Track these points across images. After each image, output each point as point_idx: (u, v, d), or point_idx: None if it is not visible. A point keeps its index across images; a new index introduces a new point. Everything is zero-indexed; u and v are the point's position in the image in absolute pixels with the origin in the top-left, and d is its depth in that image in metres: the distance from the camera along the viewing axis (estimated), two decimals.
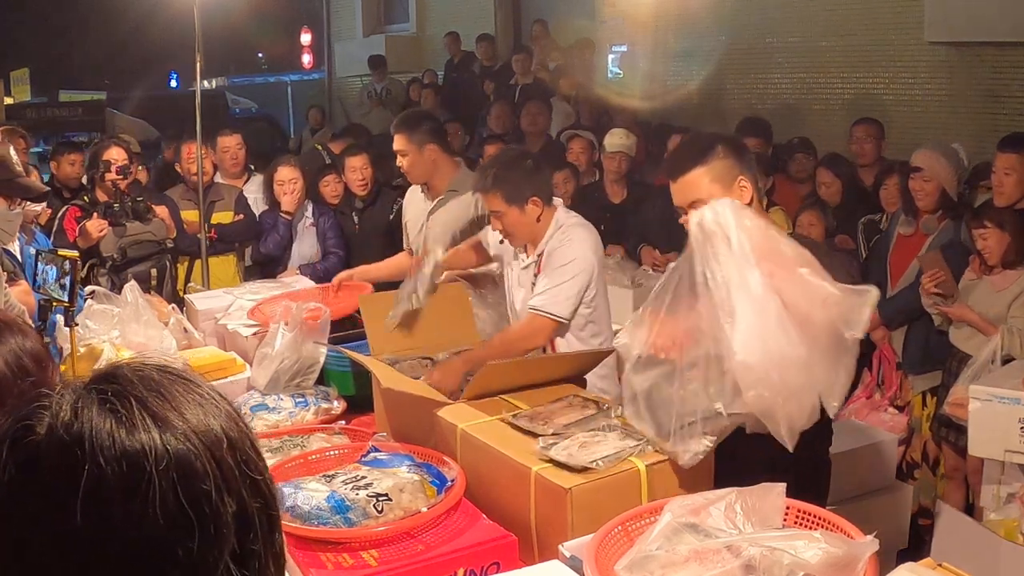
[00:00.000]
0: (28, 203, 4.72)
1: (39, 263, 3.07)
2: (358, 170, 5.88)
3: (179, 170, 6.16)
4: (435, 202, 4.21)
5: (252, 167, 6.39)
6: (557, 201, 3.59)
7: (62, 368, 3.08)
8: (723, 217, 2.25)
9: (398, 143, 4.21)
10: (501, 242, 3.62)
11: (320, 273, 5.24)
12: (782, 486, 1.99)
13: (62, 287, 2.98)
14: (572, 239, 3.41)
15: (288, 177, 5.67)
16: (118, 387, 0.85)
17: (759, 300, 2.15)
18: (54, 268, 3.00)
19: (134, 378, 0.87)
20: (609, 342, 3.59)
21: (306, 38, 15.39)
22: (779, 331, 2.12)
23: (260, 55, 21.53)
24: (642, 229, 5.72)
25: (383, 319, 3.40)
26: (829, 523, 1.94)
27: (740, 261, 2.19)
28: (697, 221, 2.29)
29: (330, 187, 6.06)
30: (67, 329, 3.07)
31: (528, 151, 3.97)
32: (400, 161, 4.23)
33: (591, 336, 3.50)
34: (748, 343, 2.11)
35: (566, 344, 3.50)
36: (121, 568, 0.79)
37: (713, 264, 2.20)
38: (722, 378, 2.16)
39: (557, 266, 3.37)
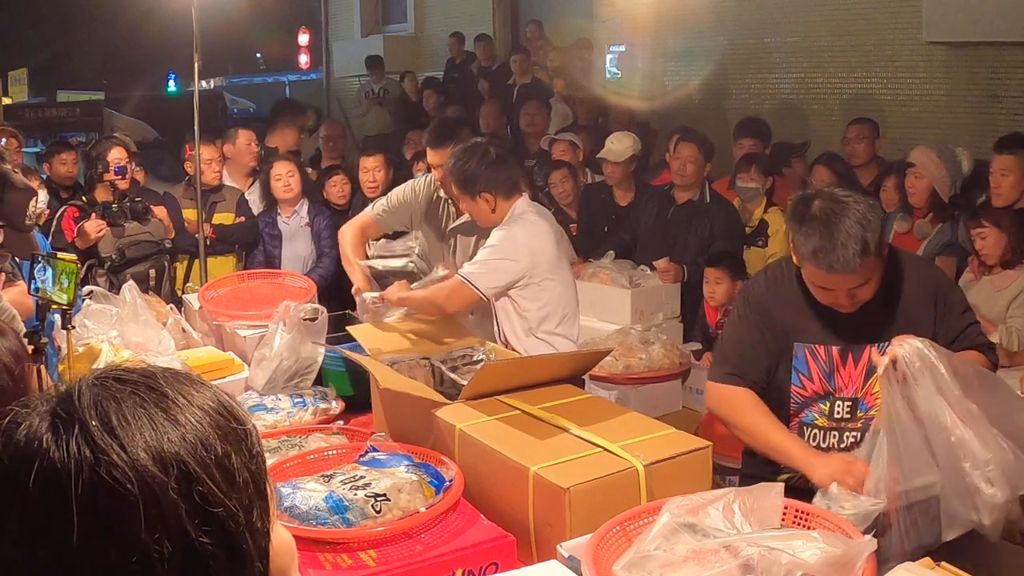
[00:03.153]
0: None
1: (36, 265, 3.07)
2: (370, 171, 5.68)
3: (187, 169, 6.17)
4: (466, 220, 3.90)
5: (258, 169, 6.41)
6: (523, 196, 3.65)
7: (60, 368, 3.08)
8: (920, 353, 2.25)
9: (440, 157, 3.89)
10: None
11: (315, 278, 4.96)
12: (780, 486, 1.98)
13: (61, 289, 2.98)
14: (513, 225, 3.51)
15: (285, 170, 5.67)
16: (70, 411, 0.84)
17: (985, 429, 2.20)
18: (51, 270, 3.00)
19: (89, 399, 0.85)
20: (573, 336, 3.62)
21: (304, 38, 15.37)
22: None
23: (258, 55, 21.50)
24: (635, 229, 5.71)
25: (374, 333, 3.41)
26: (827, 523, 1.94)
27: (952, 394, 2.22)
28: (888, 364, 2.27)
29: (337, 187, 6.06)
30: (64, 331, 3.07)
31: (493, 144, 3.83)
32: (442, 175, 3.89)
33: (552, 332, 3.53)
34: (998, 478, 2.18)
35: (519, 343, 3.52)
36: None
37: (935, 403, 2.21)
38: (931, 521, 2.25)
39: (497, 243, 3.50)
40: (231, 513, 0.84)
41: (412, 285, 3.55)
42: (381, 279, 3.76)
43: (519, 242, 3.49)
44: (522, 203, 3.60)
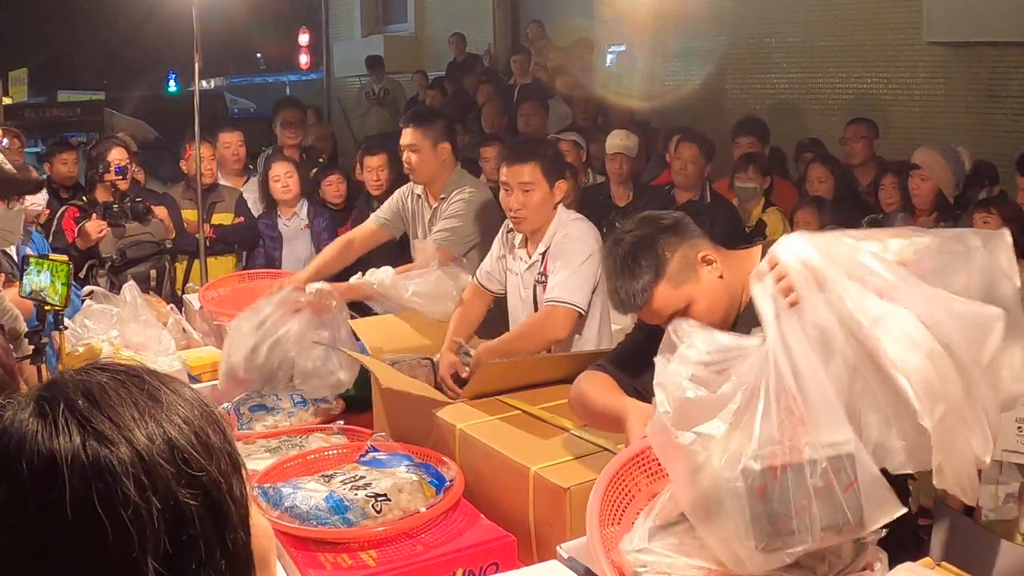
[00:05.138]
0: (31, 204, 4.73)
1: (28, 267, 3.07)
2: (375, 170, 5.69)
3: (183, 168, 6.17)
4: (435, 206, 4.08)
5: (251, 167, 6.41)
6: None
7: (59, 368, 3.09)
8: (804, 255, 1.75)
9: (409, 137, 3.99)
10: (501, 257, 3.58)
11: None
12: None
13: (54, 291, 2.98)
14: (576, 232, 3.37)
15: (283, 171, 5.67)
16: (55, 392, 0.89)
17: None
18: (47, 272, 3.01)
19: (71, 383, 0.90)
20: (609, 340, 3.59)
21: (304, 38, 15.36)
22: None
23: (258, 55, 21.50)
24: None
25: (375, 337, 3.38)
26: None
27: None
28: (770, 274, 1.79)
29: (332, 187, 6.06)
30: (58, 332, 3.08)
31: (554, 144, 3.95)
32: (407, 156, 4.01)
33: (595, 333, 3.50)
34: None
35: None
36: (36, 565, 0.83)
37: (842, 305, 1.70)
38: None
39: (567, 256, 3.30)
40: (213, 479, 0.89)
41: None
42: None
43: (587, 245, 3.33)
44: (563, 211, 3.48)
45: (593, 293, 3.33)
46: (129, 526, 0.82)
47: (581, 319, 3.26)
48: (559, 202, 3.43)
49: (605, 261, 2.27)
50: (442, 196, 4.08)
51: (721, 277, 2.22)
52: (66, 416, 0.85)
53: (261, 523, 0.99)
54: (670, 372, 1.75)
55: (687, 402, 1.68)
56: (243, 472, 0.95)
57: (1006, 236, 1.78)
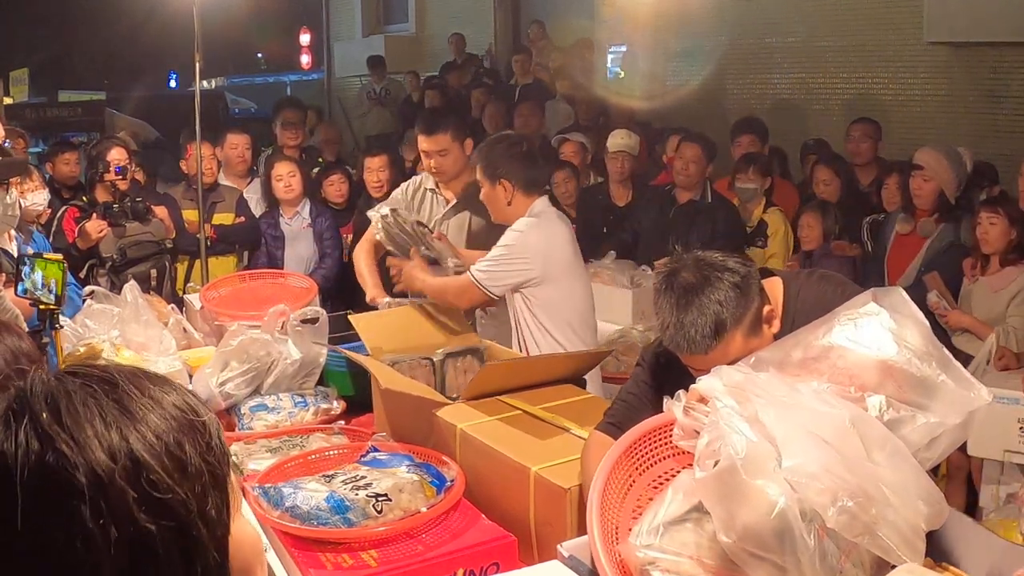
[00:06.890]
0: (31, 203, 4.73)
1: (24, 267, 3.06)
2: (375, 171, 5.72)
3: (183, 168, 6.17)
4: (454, 203, 4.06)
5: (255, 168, 6.41)
6: (543, 197, 3.62)
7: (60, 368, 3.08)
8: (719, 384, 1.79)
9: (438, 143, 3.96)
10: None
11: (318, 278, 4.86)
12: None
13: (49, 290, 2.98)
14: (528, 226, 3.48)
15: (286, 171, 5.67)
16: (22, 402, 0.87)
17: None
18: (41, 271, 3.00)
19: (41, 392, 0.87)
20: (590, 341, 3.60)
21: (305, 38, 15.39)
22: None
23: (259, 55, 21.51)
24: (636, 229, 5.71)
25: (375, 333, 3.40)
26: None
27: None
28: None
29: (334, 187, 6.07)
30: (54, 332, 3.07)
31: (528, 141, 3.92)
32: (438, 162, 3.97)
33: (569, 335, 3.52)
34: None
35: (535, 346, 3.51)
36: None
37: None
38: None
39: (504, 244, 3.49)
40: (181, 501, 0.85)
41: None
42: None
43: (530, 243, 3.46)
44: (541, 203, 3.56)
45: (551, 294, 3.48)
46: (81, 551, 0.81)
47: (489, 300, 3.56)
48: (511, 200, 3.53)
49: (663, 295, 2.09)
50: (458, 200, 4.11)
51: (775, 336, 2.11)
52: (27, 432, 0.83)
53: (247, 534, 0.95)
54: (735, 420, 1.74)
55: (754, 445, 1.68)
56: (227, 484, 0.91)
57: None
